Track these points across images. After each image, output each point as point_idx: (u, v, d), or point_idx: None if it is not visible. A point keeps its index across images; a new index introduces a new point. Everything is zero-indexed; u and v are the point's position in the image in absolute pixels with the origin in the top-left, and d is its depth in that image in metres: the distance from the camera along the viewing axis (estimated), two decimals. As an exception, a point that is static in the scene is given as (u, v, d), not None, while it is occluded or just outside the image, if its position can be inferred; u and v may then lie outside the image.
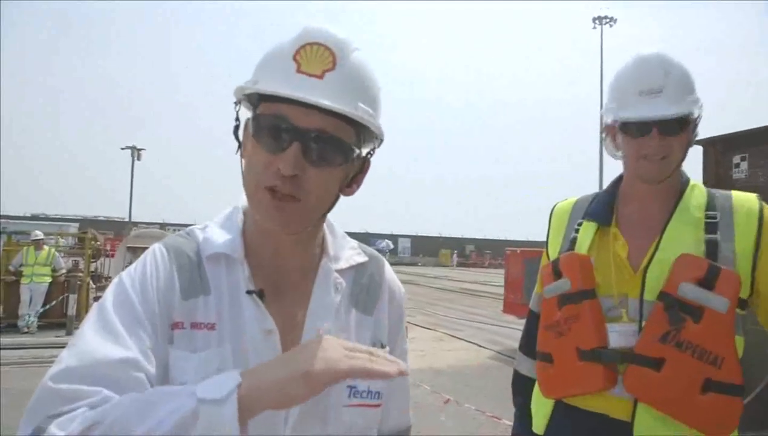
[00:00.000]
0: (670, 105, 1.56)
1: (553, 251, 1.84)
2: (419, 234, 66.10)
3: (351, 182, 1.07)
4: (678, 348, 1.47)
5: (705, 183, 4.29)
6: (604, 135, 1.79)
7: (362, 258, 1.17)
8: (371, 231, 60.19)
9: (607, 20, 41.63)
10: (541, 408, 1.80)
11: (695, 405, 1.45)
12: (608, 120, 1.72)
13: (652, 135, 1.57)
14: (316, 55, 0.95)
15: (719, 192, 1.67)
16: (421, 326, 12.90)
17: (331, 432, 1.01)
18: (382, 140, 1.07)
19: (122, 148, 43.32)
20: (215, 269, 1.02)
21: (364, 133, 1.02)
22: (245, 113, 1.05)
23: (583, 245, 1.73)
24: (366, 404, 1.05)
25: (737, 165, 3.31)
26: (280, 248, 1.06)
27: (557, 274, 1.71)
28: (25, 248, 11.93)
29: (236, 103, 1.03)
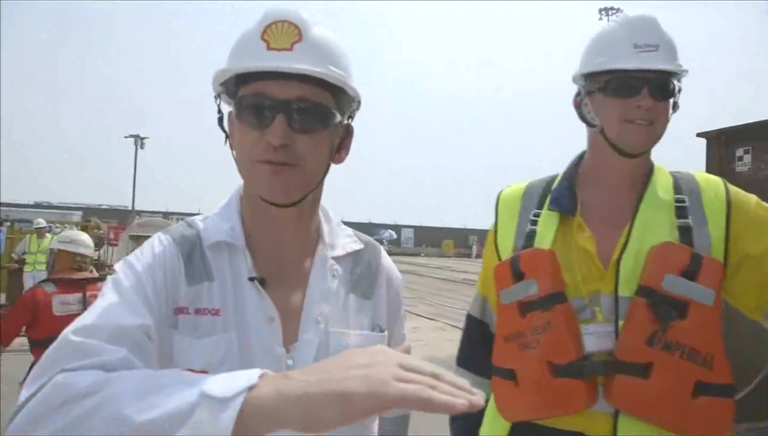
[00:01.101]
0: (666, 62, 1.44)
1: (505, 246, 1.60)
2: (422, 224, 66.08)
3: (339, 148, 1.10)
4: (666, 350, 1.32)
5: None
6: (580, 98, 1.56)
7: (358, 245, 1.19)
8: (375, 221, 60.25)
9: (614, 11, 41.35)
10: (495, 428, 1.56)
11: (687, 412, 1.32)
12: (582, 81, 1.54)
13: (642, 95, 1.41)
14: (282, 31, 0.99)
15: (681, 173, 1.55)
16: (422, 316, 12.92)
17: None
18: (359, 103, 1.10)
19: (125, 137, 43.30)
20: (218, 257, 1.04)
21: (342, 98, 1.05)
22: (226, 109, 1.08)
23: (545, 239, 1.50)
24: None
25: (740, 158, 3.30)
26: (277, 232, 1.08)
27: (518, 275, 1.47)
28: (28, 236, 11.97)
29: (216, 97, 1.06)
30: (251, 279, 1.02)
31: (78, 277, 4.09)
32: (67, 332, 0.84)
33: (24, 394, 0.78)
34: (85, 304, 3.86)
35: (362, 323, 1.12)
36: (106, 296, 0.93)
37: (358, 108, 1.12)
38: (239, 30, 1.04)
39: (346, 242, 1.17)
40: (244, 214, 1.10)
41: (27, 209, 30.74)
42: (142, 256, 1.01)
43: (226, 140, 1.07)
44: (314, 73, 0.97)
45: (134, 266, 0.98)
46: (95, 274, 4.41)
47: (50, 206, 41.51)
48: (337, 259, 1.13)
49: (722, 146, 3.44)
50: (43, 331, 3.73)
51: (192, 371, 0.92)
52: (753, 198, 1.49)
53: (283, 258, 1.09)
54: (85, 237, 4.37)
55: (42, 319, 3.76)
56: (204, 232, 1.07)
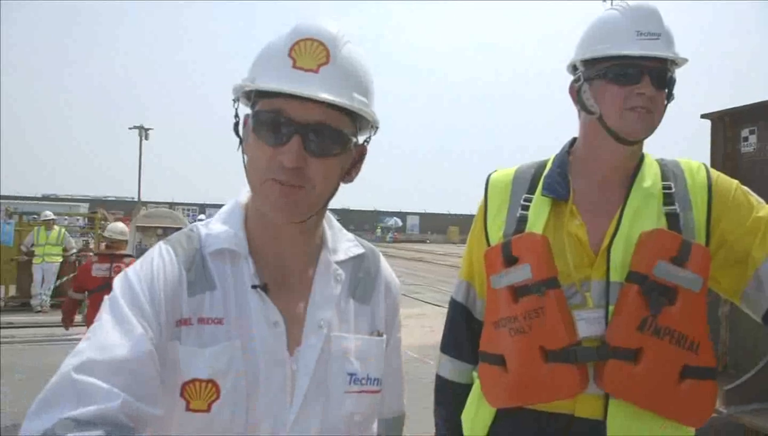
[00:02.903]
0: (669, 50, 1.45)
1: (495, 232, 1.58)
2: (428, 211, 66.09)
3: (350, 169, 1.10)
4: (656, 336, 1.34)
5: (712, 157, 4.21)
6: (578, 85, 1.54)
7: (359, 250, 1.21)
8: (380, 209, 60.29)
9: (618, -7, 40.93)
10: (479, 414, 1.56)
11: (674, 395, 1.35)
12: (582, 68, 1.53)
13: (643, 83, 1.42)
14: (310, 50, 0.98)
15: (667, 160, 1.57)
16: (429, 303, 12.98)
17: (333, 418, 1.04)
18: (377, 128, 1.10)
19: (130, 128, 43.31)
20: (220, 264, 1.05)
21: (360, 122, 1.05)
22: (243, 110, 1.07)
23: (537, 224, 1.49)
24: (366, 390, 1.08)
25: (746, 139, 3.27)
26: (282, 241, 1.09)
27: (509, 259, 1.47)
28: (36, 228, 12.03)
29: (234, 101, 1.05)
30: (254, 287, 1.03)
31: (107, 252, 6.26)
32: (69, 368, 0.84)
33: (24, 428, 0.79)
34: (111, 271, 5.75)
35: (362, 328, 1.15)
36: (104, 322, 0.92)
37: (375, 133, 1.12)
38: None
39: (348, 247, 1.19)
40: (248, 222, 1.10)
41: (34, 202, 30.83)
42: (141, 270, 1.00)
43: (239, 145, 1.06)
44: (336, 102, 0.96)
45: (132, 283, 0.97)
46: (122, 251, 6.27)
47: (57, 198, 41.59)
48: (339, 263, 1.15)
49: (727, 127, 3.42)
50: (88, 284, 5.83)
51: (198, 379, 0.96)
52: (734, 182, 1.50)
53: (286, 265, 1.10)
54: (116, 226, 6.45)
55: (87, 277, 5.91)
56: (206, 238, 1.07)
